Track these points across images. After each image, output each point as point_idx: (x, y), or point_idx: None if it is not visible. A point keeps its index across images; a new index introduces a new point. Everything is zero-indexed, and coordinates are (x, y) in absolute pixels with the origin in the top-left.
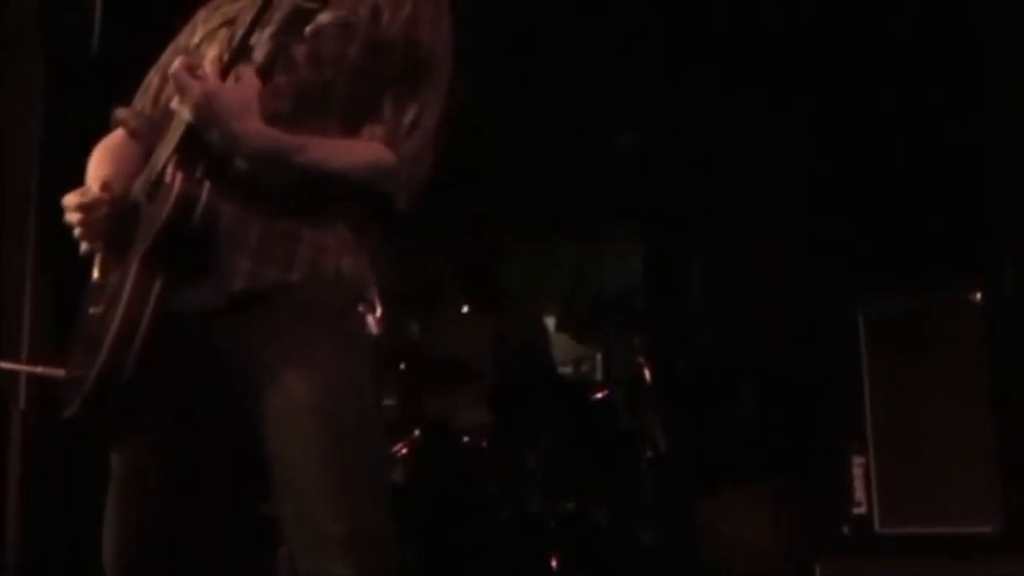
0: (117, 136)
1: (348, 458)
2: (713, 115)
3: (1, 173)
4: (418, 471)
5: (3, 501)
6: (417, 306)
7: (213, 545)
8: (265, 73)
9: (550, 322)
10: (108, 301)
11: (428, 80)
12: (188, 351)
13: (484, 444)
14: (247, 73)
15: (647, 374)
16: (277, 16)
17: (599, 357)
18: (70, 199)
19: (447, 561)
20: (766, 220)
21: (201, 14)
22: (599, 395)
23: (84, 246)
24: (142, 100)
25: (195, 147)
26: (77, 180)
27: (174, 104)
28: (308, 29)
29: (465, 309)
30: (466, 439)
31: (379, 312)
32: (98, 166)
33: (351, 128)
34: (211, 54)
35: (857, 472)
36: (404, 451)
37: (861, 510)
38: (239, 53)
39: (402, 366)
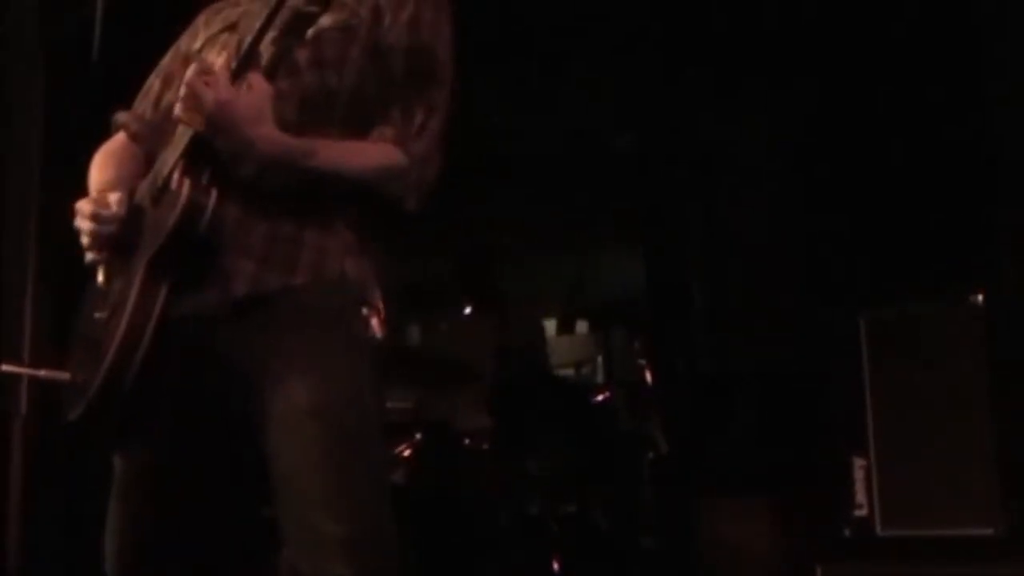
0: (118, 140)
1: (348, 460)
2: (711, 116)
3: (1, 174)
4: (419, 473)
5: (5, 505)
6: (418, 309)
7: (214, 548)
8: (268, 77)
9: (550, 325)
10: (113, 306)
11: (433, 81)
12: (190, 354)
13: (485, 447)
14: (257, 80)
15: (648, 377)
16: (278, 20)
17: (600, 360)
18: (85, 206)
19: (447, 563)
20: (766, 223)
21: (202, 18)
22: (600, 398)
23: (90, 255)
24: (143, 104)
25: (202, 153)
26: (78, 182)
27: (177, 110)
28: (309, 33)
29: (466, 312)
30: (467, 441)
31: (382, 314)
32: (100, 171)
33: (356, 131)
34: (220, 61)
35: (858, 475)
36: (405, 453)
37: (862, 513)
38: (248, 60)
39: (403, 368)
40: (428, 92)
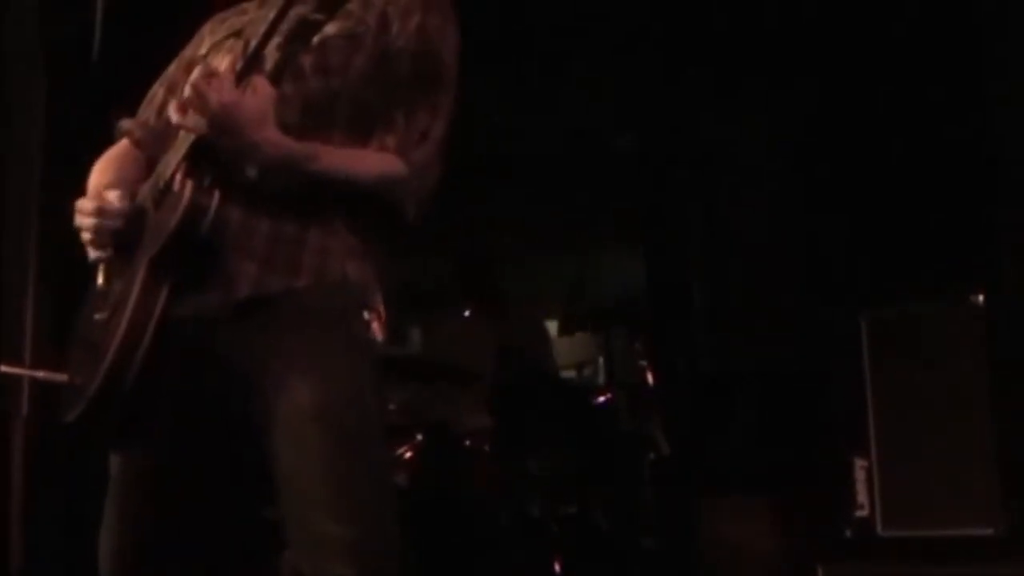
0: (121, 146)
1: (350, 461)
2: (711, 116)
3: (1, 174)
4: (419, 474)
5: (6, 507)
6: (419, 309)
7: (215, 549)
8: (272, 82)
9: (552, 326)
10: (113, 307)
11: (438, 89)
12: (191, 356)
13: (486, 447)
14: (261, 83)
15: (649, 378)
16: (284, 27)
17: (601, 361)
18: (87, 204)
19: (448, 564)
20: (766, 223)
21: (207, 27)
22: (601, 399)
23: (93, 253)
24: (147, 111)
25: (204, 155)
26: (78, 182)
27: (174, 114)
28: (315, 40)
29: (467, 312)
30: (468, 442)
31: (383, 317)
32: (101, 174)
33: (357, 137)
34: (224, 64)
35: (859, 475)
36: (406, 454)
37: (863, 513)
38: (252, 63)
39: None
40: (433, 98)
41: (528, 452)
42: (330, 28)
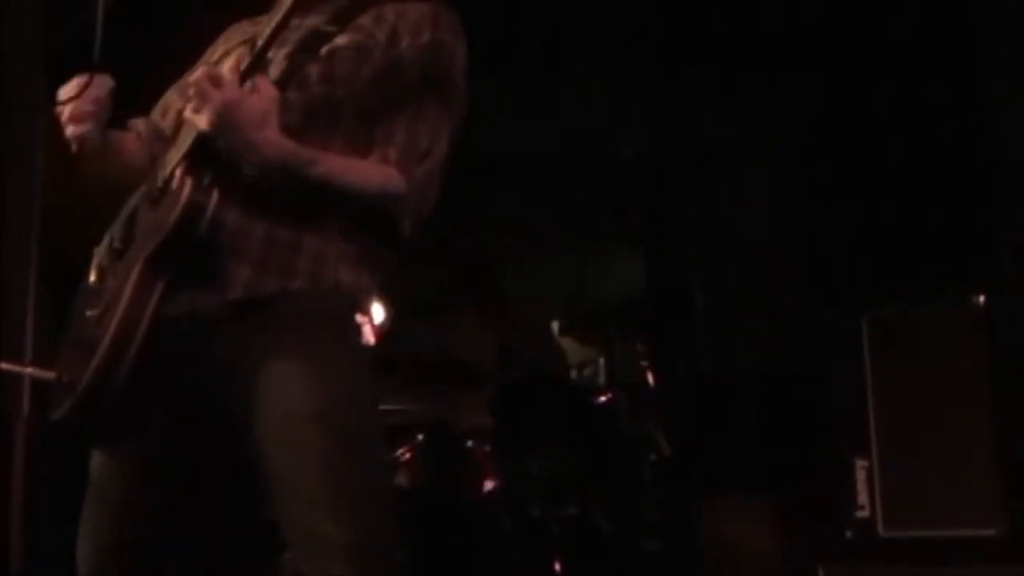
0: (126, 131)
1: (350, 461)
2: (711, 116)
3: (2, 174)
4: (420, 475)
5: (6, 507)
6: (419, 310)
7: (214, 549)
8: (278, 88)
9: (553, 326)
10: (106, 304)
11: (443, 106)
12: (185, 355)
13: (487, 448)
14: (264, 83)
15: (650, 379)
16: (295, 36)
17: (602, 362)
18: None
19: (449, 565)
20: (766, 223)
21: (224, 35)
22: (602, 400)
23: (71, 129)
24: (158, 113)
25: (205, 155)
26: (79, 184)
27: (187, 113)
28: (324, 50)
29: (467, 313)
30: (469, 443)
31: (378, 321)
32: None
33: (359, 147)
34: (228, 64)
35: (860, 476)
36: (407, 455)
37: (864, 514)
38: (256, 64)
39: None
40: (438, 115)
41: (528, 452)
42: (340, 39)
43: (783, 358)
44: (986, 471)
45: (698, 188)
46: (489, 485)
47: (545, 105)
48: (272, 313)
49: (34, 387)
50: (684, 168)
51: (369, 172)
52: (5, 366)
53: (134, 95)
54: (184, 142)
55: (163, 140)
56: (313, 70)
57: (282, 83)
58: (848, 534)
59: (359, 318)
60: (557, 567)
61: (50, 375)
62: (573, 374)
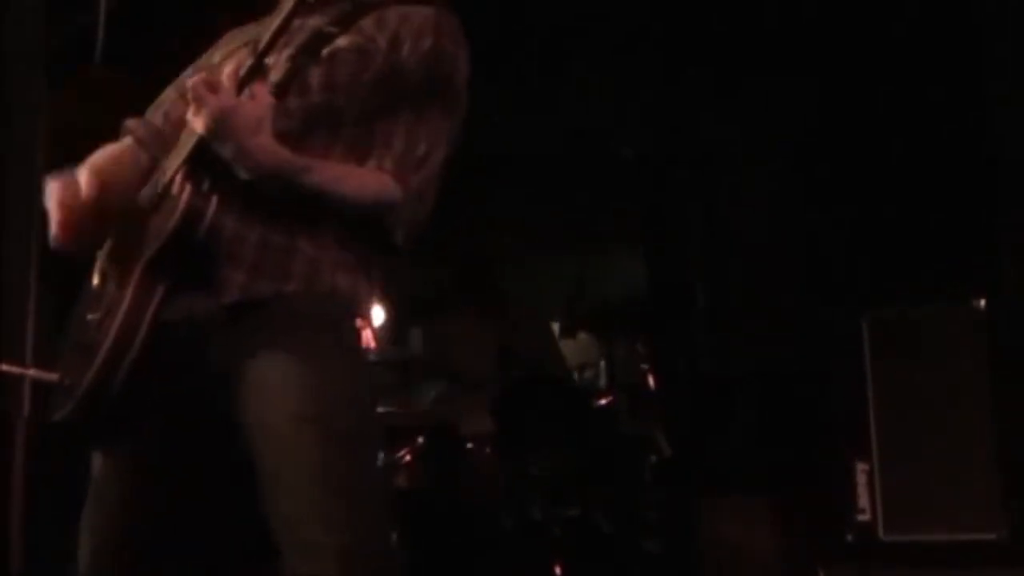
0: (122, 143)
1: (348, 462)
2: (711, 116)
3: (2, 174)
4: (421, 477)
5: (6, 508)
6: (419, 311)
7: (213, 550)
8: (279, 94)
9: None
10: (107, 308)
11: (443, 113)
12: (183, 359)
13: (487, 450)
14: (261, 90)
15: (650, 380)
16: (297, 39)
17: (602, 364)
18: (56, 190)
19: (450, 568)
20: (766, 223)
21: (225, 37)
22: (603, 402)
23: (56, 240)
24: (154, 113)
25: (204, 160)
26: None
27: (188, 115)
28: (325, 52)
29: (467, 314)
30: (469, 445)
31: (375, 325)
32: (96, 157)
33: (358, 155)
34: (227, 69)
35: (861, 479)
36: (407, 458)
37: (865, 517)
38: (255, 69)
39: (405, 372)
40: (437, 122)
41: (529, 453)
42: (342, 41)
43: (783, 358)
44: (988, 475)
45: (698, 188)
46: (489, 487)
47: (545, 105)
48: (267, 316)
49: (35, 388)
50: (684, 168)
51: (364, 180)
52: (7, 368)
53: (135, 94)
54: (184, 147)
55: (161, 139)
56: (314, 76)
57: (283, 87)
58: (849, 537)
59: (358, 323)
60: (558, 569)
61: (52, 377)
62: (574, 375)
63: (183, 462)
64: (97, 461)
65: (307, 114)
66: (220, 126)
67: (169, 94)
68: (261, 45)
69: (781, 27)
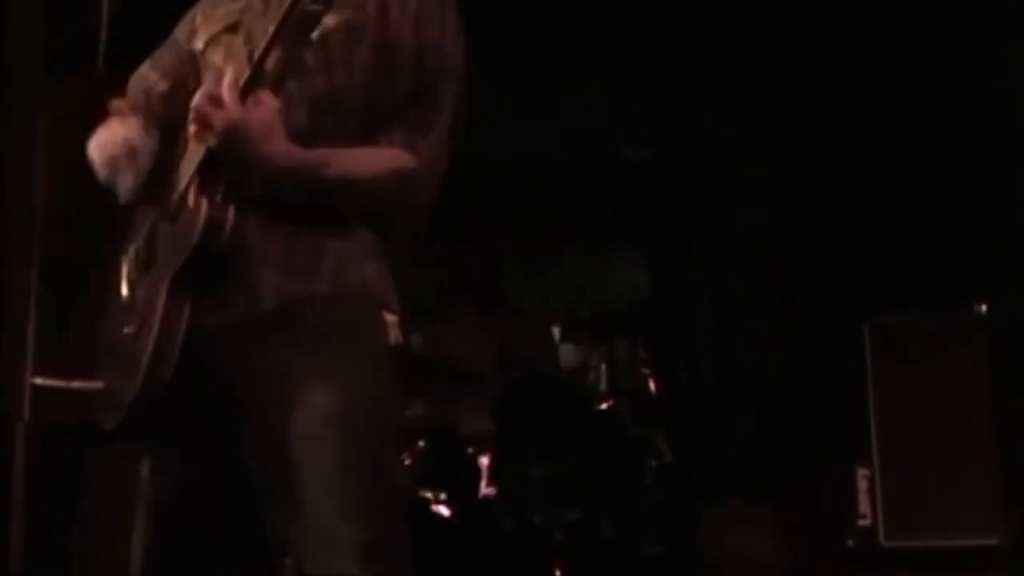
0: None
1: (366, 468)
2: (711, 116)
3: (2, 174)
4: (422, 479)
5: (6, 513)
6: (420, 314)
7: (229, 557)
8: (278, 81)
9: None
10: (140, 319)
11: (441, 78)
12: (210, 364)
13: (488, 452)
14: (266, 96)
15: (651, 384)
16: (276, 14)
17: (603, 367)
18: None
19: (450, 570)
20: (767, 227)
21: (199, 14)
22: (603, 405)
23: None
24: (136, 91)
25: (215, 169)
26: (79, 184)
27: (191, 131)
28: (315, 36)
29: (468, 316)
30: (470, 448)
31: (401, 318)
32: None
33: (366, 135)
34: (228, 76)
35: (862, 484)
36: (408, 459)
37: (866, 523)
38: (257, 76)
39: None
40: (437, 87)
41: (529, 456)
42: (329, 20)
43: (785, 364)
44: (989, 480)
45: (698, 188)
46: (490, 489)
47: (545, 105)
48: (294, 320)
49: (34, 389)
50: (685, 168)
51: (379, 159)
52: (53, 382)
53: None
54: (194, 157)
55: (155, 113)
56: (309, 59)
57: (280, 74)
58: (850, 542)
59: (387, 316)
60: (558, 571)
61: (97, 386)
62: (574, 379)
63: (209, 469)
64: (145, 466)
65: (310, 101)
66: (232, 139)
67: (148, 72)
68: (260, 50)
69: (781, 27)
